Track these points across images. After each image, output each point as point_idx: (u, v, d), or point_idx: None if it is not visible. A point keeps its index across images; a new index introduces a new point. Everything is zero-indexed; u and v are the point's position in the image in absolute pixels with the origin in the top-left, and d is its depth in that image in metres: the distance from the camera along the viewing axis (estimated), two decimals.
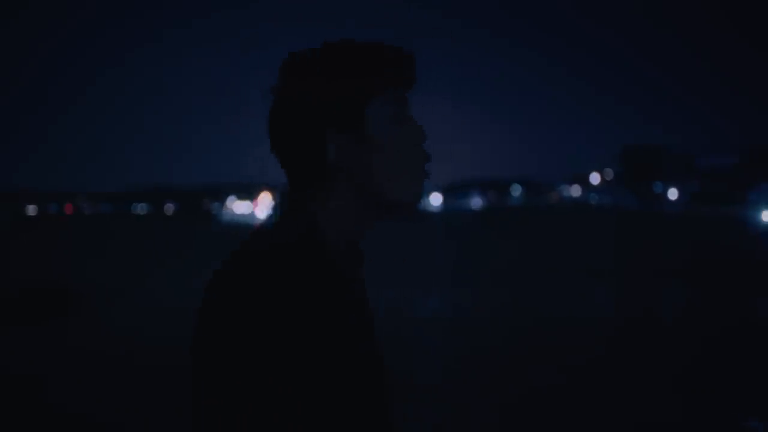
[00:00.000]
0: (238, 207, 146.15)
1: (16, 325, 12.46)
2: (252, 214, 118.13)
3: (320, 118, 1.34)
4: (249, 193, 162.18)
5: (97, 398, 7.31)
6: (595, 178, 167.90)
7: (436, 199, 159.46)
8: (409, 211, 1.40)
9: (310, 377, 1.23)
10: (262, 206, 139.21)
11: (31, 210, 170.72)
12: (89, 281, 19.01)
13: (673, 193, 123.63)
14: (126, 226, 63.44)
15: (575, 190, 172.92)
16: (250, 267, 1.23)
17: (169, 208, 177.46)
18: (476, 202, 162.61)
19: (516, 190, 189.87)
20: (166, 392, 7.31)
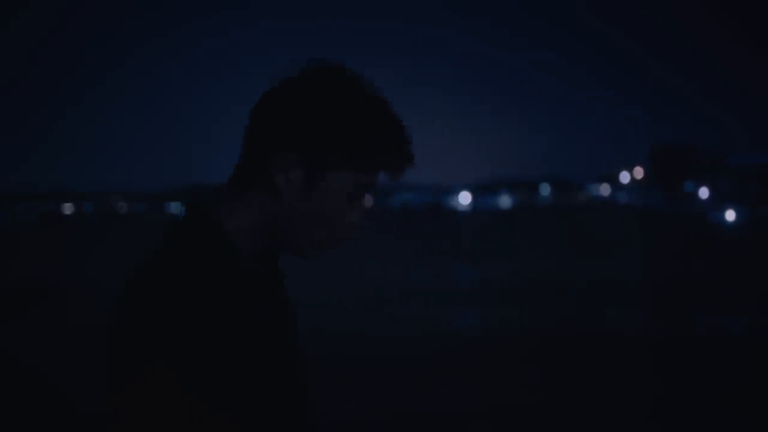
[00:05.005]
0: None
1: None
2: None
3: (295, 143, 1.31)
4: None
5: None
6: (625, 177, 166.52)
7: (464, 198, 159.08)
8: (302, 258, 1.41)
9: (217, 379, 1.23)
10: None
11: (67, 209, 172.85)
12: (83, 280, 19.42)
13: (704, 193, 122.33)
14: (150, 226, 63.74)
15: (604, 189, 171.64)
16: (165, 279, 1.25)
17: None
18: (505, 201, 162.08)
19: (545, 190, 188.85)
20: None
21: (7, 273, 21.08)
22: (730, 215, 56.33)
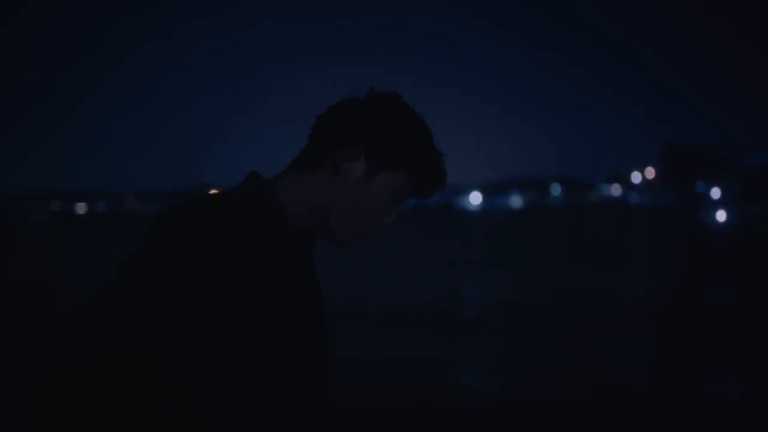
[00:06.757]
0: None
1: None
2: None
3: (364, 138, 1.48)
4: None
5: None
6: (636, 177, 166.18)
7: (475, 198, 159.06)
8: (334, 244, 1.53)
9: (229, 329, 1.27)
10: None
11: (80, 208, 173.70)
12: (81, 278, 19.42)
13: (715, 193, 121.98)
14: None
15: (615, 189, 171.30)
16: (214, 226, 1.31)
17: None
18: (515, 201, 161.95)
19: (555, 190, 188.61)
20: None
21: (7, 270, 21.18)
22: (722, 216, 56.72)
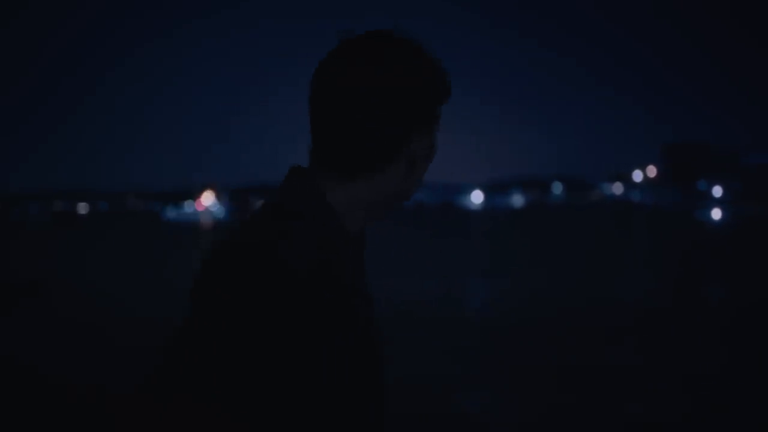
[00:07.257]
0: None
1: None
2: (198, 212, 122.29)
3: (432, 117, 1.36)
4: None
5: None
6: (637, 176, 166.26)
7: (476, 197, 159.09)
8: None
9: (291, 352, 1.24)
10: (205, 205, 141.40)
11: (82, 208, 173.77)
12: (79, 277, 19.47)
13: (717, 191, 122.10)
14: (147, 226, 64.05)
15: (617, 188, 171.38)
16: (268, 247, 1.24)
17: (215, 205, 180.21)
18: (517, 199, 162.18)
19: (557, 188, 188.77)
20: None
21: (7, 270, 21.33)
22: (717, 214, 57.04)
